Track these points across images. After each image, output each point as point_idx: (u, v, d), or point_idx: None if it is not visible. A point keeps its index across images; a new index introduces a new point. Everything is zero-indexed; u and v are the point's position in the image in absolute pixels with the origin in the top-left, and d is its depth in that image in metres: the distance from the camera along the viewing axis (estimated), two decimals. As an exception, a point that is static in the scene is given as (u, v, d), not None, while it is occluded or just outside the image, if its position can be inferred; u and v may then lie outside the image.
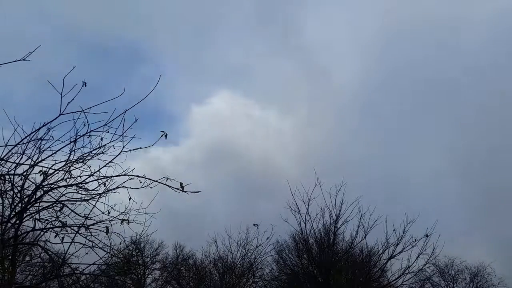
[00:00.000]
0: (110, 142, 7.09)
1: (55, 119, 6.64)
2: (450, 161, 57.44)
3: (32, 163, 6.89)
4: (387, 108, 67.96)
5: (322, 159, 53.52)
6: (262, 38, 78.81)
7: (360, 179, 42.93)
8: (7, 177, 6.83)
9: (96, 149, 7.12)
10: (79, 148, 7.08)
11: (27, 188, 7.17)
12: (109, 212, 7.31)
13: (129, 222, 7.28)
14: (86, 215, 7.25)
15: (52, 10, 63.83)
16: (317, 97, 72.57)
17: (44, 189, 7.13)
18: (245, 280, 26.37)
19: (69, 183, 7.15)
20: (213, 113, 67.90)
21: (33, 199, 7.14)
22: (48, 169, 6.93)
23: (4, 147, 6.55)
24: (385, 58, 71.82)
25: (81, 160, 7.13)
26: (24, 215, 7.15)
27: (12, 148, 6.64)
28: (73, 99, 6.50)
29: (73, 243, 7.17)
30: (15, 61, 5.96)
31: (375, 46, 71.17)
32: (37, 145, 6.94)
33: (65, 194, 7.23)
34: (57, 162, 6.99)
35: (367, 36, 74.31)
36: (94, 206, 7.25)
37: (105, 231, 7.16)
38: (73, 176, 7.12)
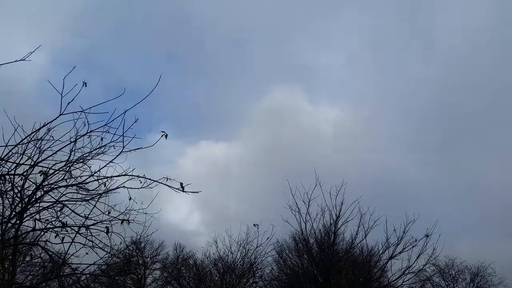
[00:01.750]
0: (111, 142, 7.09)
1: (55, 119, 6.63)
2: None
3: (32, 163, 6.88)
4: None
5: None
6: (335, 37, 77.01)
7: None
8: (7, 177, 6.83)
9: (96, 149, 7.12)
10: (79, 148, 7.08)
11: (27, 188, 7.18)
12: (109, 212, 7.31)
13: (129, 222, 7.28)
14: (86, 215, 7.25)
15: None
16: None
17: (44, 189, 7.14)
18: (245, 280, 26.36)
19: (69, 183, 7.16)
20: (272, 111, 66.62)
21: (33, 199, 7.15)
22: (48, 169, 6.92)
23: (4, 147, 6.54)
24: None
25: (81, 160, 7.13)
26: (24, 215, 7.16)
27: (12, 148, 6.62)
28: (73, 99, 6.49)
29: (73, 243, 7.17)
30: (15, 61, 5.96)
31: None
32: (37, 145, 6.93)
33: (65, 194, 7.24)
34: (57, 162, 6.99)
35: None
36: (94, 206, 7.26)
37: (105, 231, 7.16)
38: (73, 176, 7.13)
